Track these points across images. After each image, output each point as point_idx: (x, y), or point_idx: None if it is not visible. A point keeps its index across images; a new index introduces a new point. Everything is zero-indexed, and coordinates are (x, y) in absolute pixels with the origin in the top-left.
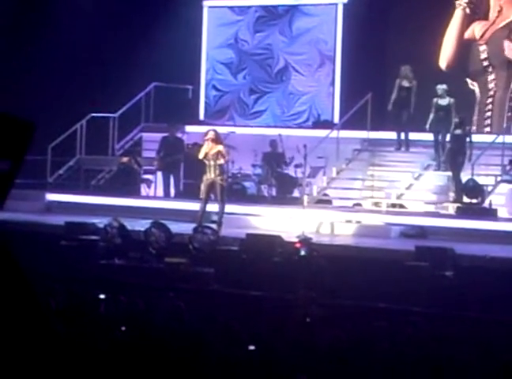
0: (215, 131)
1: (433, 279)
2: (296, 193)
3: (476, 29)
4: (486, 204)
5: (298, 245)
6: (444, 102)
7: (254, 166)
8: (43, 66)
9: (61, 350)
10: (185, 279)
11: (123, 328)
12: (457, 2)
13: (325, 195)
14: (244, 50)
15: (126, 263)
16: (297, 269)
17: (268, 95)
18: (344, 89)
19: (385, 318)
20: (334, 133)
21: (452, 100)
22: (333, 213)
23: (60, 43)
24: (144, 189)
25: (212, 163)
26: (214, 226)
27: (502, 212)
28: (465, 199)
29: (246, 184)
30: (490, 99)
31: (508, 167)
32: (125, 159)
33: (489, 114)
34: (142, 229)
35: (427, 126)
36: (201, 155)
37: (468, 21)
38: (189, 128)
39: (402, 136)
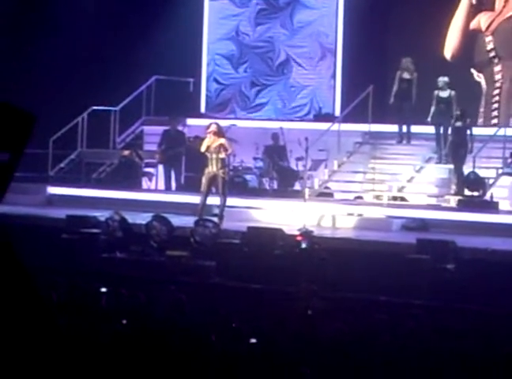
0: (217, 124)
1: (434, 271)
2: (298, 186)
3: (482, 20)
4: (487, 196)
5: (299, 238)
6: (445, 94)
7: (255, 159)
8: (44, 60)
9: (63, 343)
10: (186, 273)
11: (124, 322)
12: None
13: (327, 188)
14: (245, 43)
15: (128, 256)
16: (298, 262)
17: (269, 88)
18: (345, 82)
19: (387, 311)
20: (335, 126)
21: (453, 92)
22: (335, 206)
23: (61, 36)
24: (145, 183)
25: (214, 156)
26: (215, 219)
27: (503, 205)
28: (467, 192)
29: (248, 177)
30: (497, 91)
31: (509, 160)
32: (126, 153)
33: (496, 105)
34: (143, 222)
35: (429, 119)
36: (203, 149)
37: (474, 11)
38: (190, 121)
39: (404, 128)
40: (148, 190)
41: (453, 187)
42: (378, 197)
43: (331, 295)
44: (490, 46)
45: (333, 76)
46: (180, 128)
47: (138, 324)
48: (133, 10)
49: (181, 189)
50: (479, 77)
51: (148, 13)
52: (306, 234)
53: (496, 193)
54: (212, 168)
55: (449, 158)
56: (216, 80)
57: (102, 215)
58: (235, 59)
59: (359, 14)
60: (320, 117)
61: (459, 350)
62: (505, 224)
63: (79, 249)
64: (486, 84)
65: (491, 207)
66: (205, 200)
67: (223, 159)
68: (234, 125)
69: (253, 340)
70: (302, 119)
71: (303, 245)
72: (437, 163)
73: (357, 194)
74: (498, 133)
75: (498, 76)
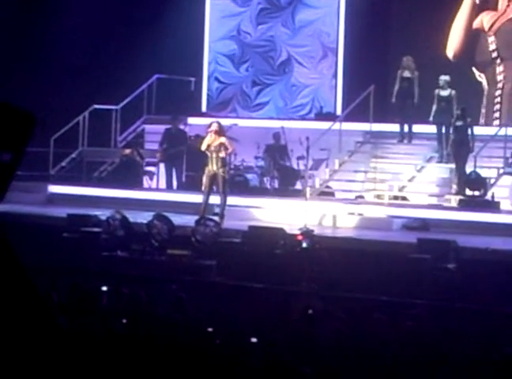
0: (218, 123)
1: (435, 271)
2: (299, 186)
3: (485, 20)
4: (488, 196)
5: (300, 237)
6: (445, 93)
7: (256, 158)
8: (45, 58)
9: (63, 343)
10: (187, 272)
11: (124, 321)
12: None
13: (328, 187)
14: (247, 42)
15: (129, 255)
16: (299, 262)
17: (270, 87)
18: (346, 81)
19: (388, 311)
20: (337, 125)
21: (453, 92)
22: (336, 205)
23: (62, 34)
24: (146, 182)
25: (214, 155)
26: (216, 218)
27: (504, 205)
28: (468, 191)
29: (249, 176)
30: (498, 92)
31: (511, 160)
32: (127, 151)
33: (498, 106)
34: (144, 221)
35: (431, 118)
36: (203, 147)
37: (477, 11)
38: (191, 120)
39: (406, 128)
40: (150, 189)
41: (454, 187)
42: (379, 197)
43: (332, 295)
44: (492, 47)
45: (335, 75)
46: (181, 127)
47: (139, 322)
48: (135, 9)
49: (182, 187)
50: (480, 77)
51: (149, 12)
52: (306, 233)
53: (497, 192)
54: (212, 167)
55: (451, 157)
56: (217, 79)
57: (103, 214)
58: (237, 58)
59: (360, 13)
60: (321, 116)
61: (459, 349)
62: (506, 224)
63: (80, 247)
64: (488, 85)
65: (492, 206)
66: (207, 199)
67: (223, 158)
68: (235, 124)
69: (253, 339)
70: (303, 118)
71: (304, 245)
72: (438, 162)
73: (358, 193)
74: (500, 133)
75: (500, 77)
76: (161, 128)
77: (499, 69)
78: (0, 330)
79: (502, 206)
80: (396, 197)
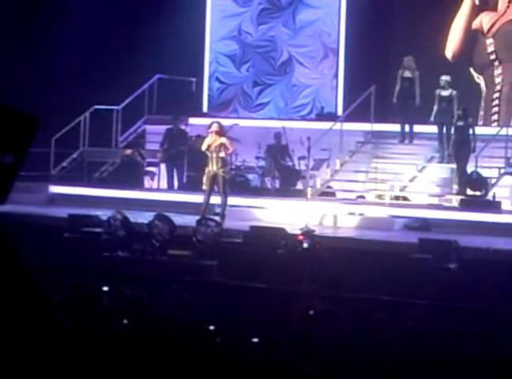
0: (219, 123)
1: (436, 271)
2: (300, 186)
3: (484, 20)
4: (490, 196)
5: (301, 237)
6: (446, 93)
7: (257, 158)
8: (46, 58)
9: (65, 343)
10: (188, 272)
11: (125, 321)
12: None
13: (329, 187)
14: (248, 42)
15: (130, 255)
16: (300, 262)
17: (271, 87)
18: (347, 81)
19: (389, 311)
20: (338, 126)
21: (454, 92)
22: (337, 205)
23: (63, 34)
24: (147, 182)
25: (214, 155)
26: (217, 218)
27: (505, 205)
28: (469, 191)
29: (250, 176)
30: (497, 94)
31: None
32: (128, 152)
33: (496, 109)
34: (145, 221)
35: (432, 119)
36: (203, 147)
37: (476, 12)
38: (192, 120)
39: (406, 128)
40: (151, 189)
41: (456, 187)
42: (380, 197)
43: (333, 295)
44: (491, 49)
45: (336, 75)
46: (182, 127)
47: (140, 323)
48: (136, 9)
49: (183, 188)
50: (479, 79)
51: (150, 12)
52: (307, 233)
53: (498, 192)
54: (212, 167)
55: (452, 157)
56: (218, 80)
57: (104, 214)
58: (238, 58)
59: (361, 14)
60: (322, 116)
61: (461, 349)
62: (507, 224)
63: (81, 248)
64: (486, 87)
65: (494, 206)
66: (208, 199)
67: (223, 158)
68: (236, 124)
69: (255, 340)
70: (304, 118)
71: (305, 245)
72: (439, 162)
73: (359, 194)
74: (501, 133)
75: (498, 80)
76: (162, 128)
77: (498, 71)
78: (1, 330)
79: (504, 206)
80: (397, 197)
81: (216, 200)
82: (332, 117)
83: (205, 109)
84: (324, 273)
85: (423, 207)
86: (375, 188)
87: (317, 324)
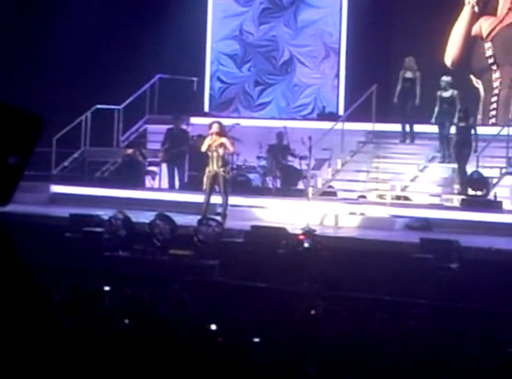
0: (219, 123)
1: (438, 271)
2: (301, 185)
3: (484, 26)
4: (491, 196)
5: (301, 237)
6: (447, 94)
7: (258, 158)
8: (48, 58)
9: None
10: (189, 271)
11: (127, 321)
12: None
13: (330, 187)
14: (249, 41)
15: (131, 255)
16: (301, 261)
17: (273, 87)
18: (348, 81)
19: (390, 311)
20: (339, 125)
21: (455, 92)
22: (338, 205)
23: (65, 34)
24: (148, 181)
25: (214, 154)
26: (219, 218)
27: (506, 205)
28: (470, 191)
29: (251, 176)
30: (494, 98)
31: None
32: (129, 151)
33: (494, 112)
34: (147, 221)
35: (433, 120)
36: (203, 148)
37: (476, 19)
38: (194, 120)
39: (407, 128)
40: (152, 189)
41: (457, 186)
42: (381, 197)
43: (334, 295)
44: (489, 53)
45: (337, 75)
46: (184, 127)
47: (141, 322)
48: (137, 9)
49: (184, 187)
50: (477, 84)
51: (151, 12)
52: (308, 233)
53: (500, 192)
54: (212, 167)
55: (453, 157)
56: (219, 79)
57: (105, 213)
58: (239, 58)
59: (363, 14)
60: (323, 116)
61: (462, 349)
62: (508, 224)
63: (82, 247)
64: (484, 91)
65: (495, 206)
66: (208, 199)
67: (224, 158)
68: (237, 124)
69: (256, 339)
70: (305, 118)
71: (306, 245)
72: (440, 162)
73: (360, 193)
74: (502, 133)
75: (496, 84)
76: (163, 128)
77: (496, 75)
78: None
79: (505, 206)
80: (398, 197)
81: (217, 199)
82: (333, 116)
83: (206, 109)
84: (325, 273)
85: (424, 207)
86: (376, 188)
87: (318, 323)
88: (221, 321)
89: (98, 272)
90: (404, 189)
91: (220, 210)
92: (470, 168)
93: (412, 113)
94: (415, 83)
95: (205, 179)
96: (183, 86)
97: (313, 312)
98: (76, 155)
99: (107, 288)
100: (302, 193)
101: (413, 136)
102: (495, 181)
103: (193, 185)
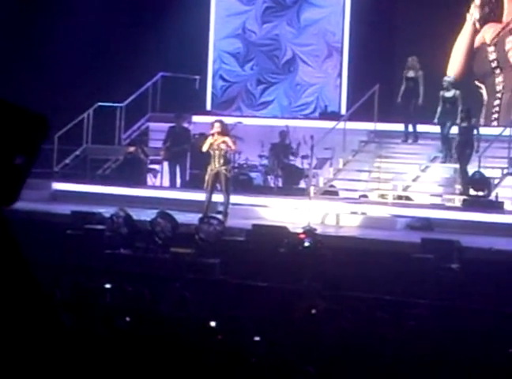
0: (221, 122)
1: (438, 271)
2: (303, 184)
3: (488, 32)
4: (492, 196)
5: (302, 236)
6: (449, 94)
7: (260, 156)
8: (50, 56)
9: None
10: (190, 270)
11: (128, 319)
12: (468, 15)
13: (332, 186)
14: (252, 40)
15: (132, 253)
16: (301, 260)
17: (275, 85)
18: (351, 81)
19: (391, 310)
20: (341, 125)
21: (457, 92)
22: (339, 204)
23: (67, 32)
24: (150, 179)
25: (217, 153)
26: (220, 216)
27: (508, 205)
28: (472, 191)
29: (253, 174)
30: (497, 101)
31: None
32: (131, 149)
33: (496, 116)
34: (148, 219)
35: (436, 120)
36: (204, 148)
37: (481, 23)
38: (196, 118)
39: (410, 128)
40: (153, 187)
41: (458, 187)
42: (382, 196)
43: (335, 294)
44: (492, 57)
45: (339, 74)
46: (186, 125)
47: (142, 320)
48: (140, 7)
49: (186, 186)
50: (481, 89)
51: (154, 10)
52: (309, 232)
53: (501, 192)
54: (214, 165)
55: (455, 158)
56: (222, 78)
57: (107, 211)
58: (242, 57)
59: (365, 13)
60: (326, 115)
61: (463, 349)
62: (509, 224)
63: (83, 245)
64: (487, 95)
65: (496, 207)
66: (210, 197)
67: (226, 156)
68: (239, 122)
69: (257, 338)
70: (307, 117)
71: (306, 244)
72: (442, 162)
73: (362, 193)
74: (504, 133)
75: (499, 87)
76: (165, 126)
77: (499, 79)
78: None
79: (506, 206)
80: (400, 197)
81: (218, 198)
82: (335, 116)
83: (208, 107)
84: (325, 272)
85: (425, 207)
86: (378, 187)
87: (318, 322)
88: (222, 320)
89: (99, 270)
90: (405, 188)
91: (221, 208)
92: (472, 168)
93: (416, 113)
94: (417, 82)
95: (206, 177)
96: (186, 84)
97: (313, 311)
98: (78, 152)
99: (108, 286)
100: (303, 192)
101: (416, 136)
102: (496, 181)
103: (194, 183)
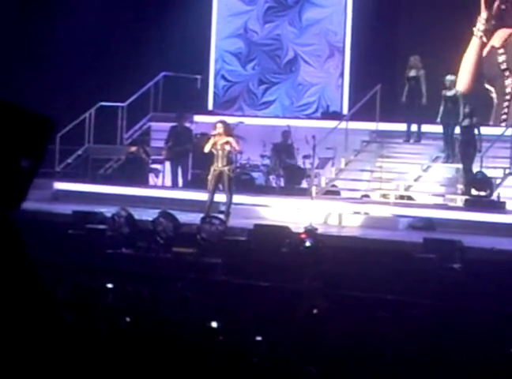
0: (223, 123)
1: (440, 271)
2: (304, 184)
3: (499, 36)
4: (494, 196)
5: (303, 236)
6: (451, 93)
7: (262, 156)
8: (52, 55)
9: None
10: (192, 269)
11: (128, 319)
12: (474, 29)
13: (334, 186)
14: (253, 40)
15: (134, 252)
16: (302, 260)
17: (277, 85)
18: (353, 80)
19: (393, 310)
20: (343, 124)
21: (459, 91)
22: (341, 204)
23: (69, 32)
24: (152, 179)
25: (220, 153)
26: (222, 216)
27: (510, 205)
28: (474, 191)
29: (255, 174)
30: (506, 103)
31: None
32: (133, 149)
33: (504, 116)
34: (150, 219)
35: (438, 120)
36: (206, 149)
37: (493, 28)
38: (197, 118)
39: (413, 127)
40: (155, 187)
41: (460, 186)
42: (384, 196)
43: (336, 294)
44: (501, 59)
45: (341, 74)
46: (187, 125)
47: (144, 320)
48: (142, 6)
49: (188, 185)
50: (491, 91)
51: (156, 10)
52: (310, 232)
53: (503, 193)
54: (217, 165)
55: (457, 157)
56: (223, 78)
57: (108, 211)
58: (243, 56)
59: (367, 13)
60: (327, 115)
61: (464, 349)
62: (511, 224)
63: (85, 244)
64: (497, 99)
65: (498, 207)
66: (212, 197)
67: (229, 156)
68: (241, 122)
69: (258, 338)
70: (309, 117)
71: (307, 244)
72: (444, 162)
73: (364, 193)
74: (506, 133)
75: (508, 89)
76: (167, 126)
77: (508, 81)
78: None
79: (508, 206)
80: (402, 197)
81: (221, 198)
82: (337, 116)
83: (210, 107)
84: (327, 272)
85: (427, 206)
86: (380, 187)
87: (320, 322)
88: (223, 319)
89: (101, 270)
90: (407, 188)
91: (223, 208)
92: (474, 168)
93: (420, 112)
94: (419, 81)
95: (209, 177)
96: (187, 84)
97: (315, 311)
98: (79, 152)
99: (109, 285)
100: (305, 192)
101: (419, 136)
102: (498, 181)
103: (196, 183)
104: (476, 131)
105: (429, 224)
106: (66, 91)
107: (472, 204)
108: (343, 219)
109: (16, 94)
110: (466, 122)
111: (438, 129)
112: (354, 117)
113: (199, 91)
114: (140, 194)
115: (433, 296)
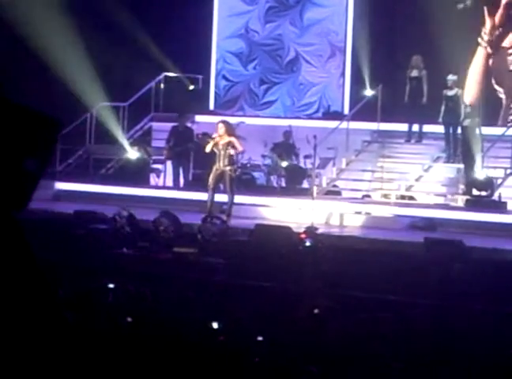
0: (225, 123)
1: (441, 271)
2: (306, 184)
3: (507, 37)
4: (495, 196)
5: (303, 235)
6: (452, 92)
7: (263, 156)
8: (53, 55)
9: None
10: (193, 269)
11: (129, 319)
12: (479, 39)
13: (335, 186)
14: (255, 40)
15: (135, 252)
16: (302, 260)
17: (278, 85)
18: (354, 80)
19: (394, 310)
20: (344, 124)
21: (460, 91)
22: (342, 204)
23: (69, 32)
24: (153, 179)
25: (222, 152)
26: (223, 216)
27: (511, 205)
28: (475, 191)
29: (256, 174)
30: None
31: None
32: (134, 149)
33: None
34: (151, 218)
35: (440, 120)
36: (207, 149)
37: (501, 31)
38: (199, 118)
39: (414, 127)
40: (156, 187)
41: (461, 186)
42: (386, 196)
43: (337, 294)
44: (510, 59)
45: (342, 74)
46: (189, 125)
47: (145, 320)
48: (143, 6)
49: (189, 185)
50: (499, 92)
51: (157, 10)
52: (310, 231)
53: (504, 193)
54: (219, 164)
55: (458, 157)
56: (224, 78)
57: (109, 211)
58: (244, 56)
59: (368, 13)
60: (329, 115)
61: (466, 350)
62: None
63: (86, 244)
64: (505, 100)
65: (499, 207)
66: (212, 196)
67: (231, 156)
68: (242, 122)
69: (259, 338)
70: (310, 117)
71: (307, 243)
72: (445, 162)
73: (365, 193)
74: (507, 133)
75: None
76: (168, 125)
77: None
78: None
79: (509, 206)
80: (403, 197)
81: (222, 197)
82: (338, 116)
83: (211, 107)
84: (326, 272)
85: (428, 206)
86: (381, 187)
87: (321, 322)
88: (224, 319)
89: (102, 269)
90: (408, 188)
91: (224, 208)
92: (475, 168)
93: (421, 112)
94: (421, 81)
95: (210, 177)
96: (188, 84)
97: (316, 311)
98: (80, 152)
99: (110, 285)
100: (306, 192)
101: (421, 136)
102: (499, 181)
103: (197, 183)
104: (477, 131)
105: (430, 224)
106: (67, 90)
107: (473, 204)
108: (344, 219)
109: (16, 93)
110: (467, 122)
111: (439, 129)
112: (355, 117)
113: (200, 91)
114: (141, 194)
115: (434, 296)
